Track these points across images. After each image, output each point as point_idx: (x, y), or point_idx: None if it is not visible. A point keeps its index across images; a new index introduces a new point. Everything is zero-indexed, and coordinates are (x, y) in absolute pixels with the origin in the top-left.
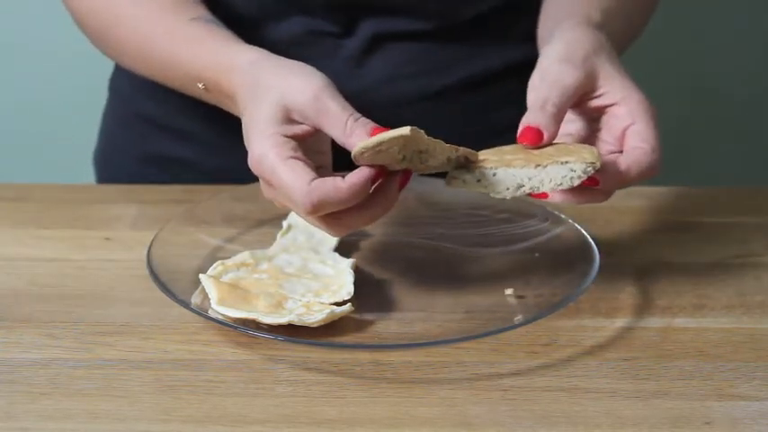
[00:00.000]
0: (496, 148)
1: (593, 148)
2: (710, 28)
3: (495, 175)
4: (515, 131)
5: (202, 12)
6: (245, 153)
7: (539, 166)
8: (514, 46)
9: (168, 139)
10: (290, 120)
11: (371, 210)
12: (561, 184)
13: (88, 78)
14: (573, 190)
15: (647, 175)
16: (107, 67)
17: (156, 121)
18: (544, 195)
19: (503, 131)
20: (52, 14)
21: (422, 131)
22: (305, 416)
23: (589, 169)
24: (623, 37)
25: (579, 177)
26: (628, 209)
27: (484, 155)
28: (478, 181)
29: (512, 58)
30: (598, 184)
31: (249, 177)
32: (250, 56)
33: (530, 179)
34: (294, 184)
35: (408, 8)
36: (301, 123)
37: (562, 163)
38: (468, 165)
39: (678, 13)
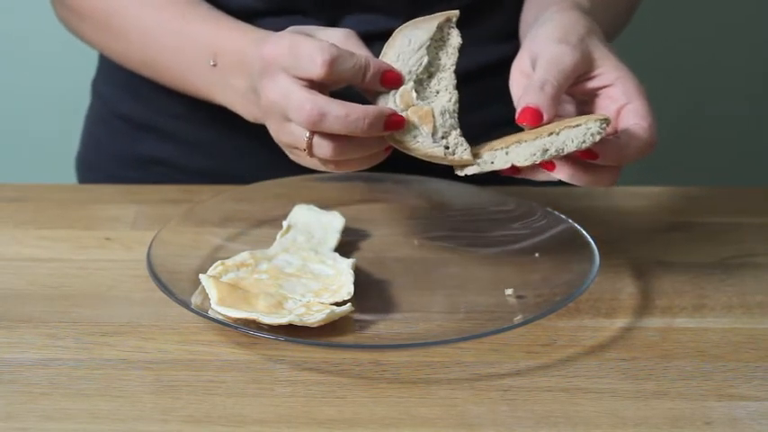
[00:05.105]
0: (495, 140)
1: (598, 113)
2: (710, 26)
3: (507, 153)
4: (502, 128)
5: (206, 4)
6: (230, 153)
7: (552, 133)
8: (496, 44)
9: (151, 140)
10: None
11: (366, 144)
12: (584, 141)
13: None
14: (580, 166)
15: (645, 152)
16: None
17: (138, 122)
18: (551, 167)
19: (490, 128)
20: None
21: None
22: (304, 416)
23: (604, 125)
24: (607, 28)
25: (599, 133)
26: (627, 209)
27: (485, 147)
28: (492, 163)
29: (494, 55)
30: (597, 157)
31: (235, 178)
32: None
33: (552, 143)
34: (307, 46)
35: (390, 6)
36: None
37: (574, 126)
38: (476, 154)
39: (678, 11)
